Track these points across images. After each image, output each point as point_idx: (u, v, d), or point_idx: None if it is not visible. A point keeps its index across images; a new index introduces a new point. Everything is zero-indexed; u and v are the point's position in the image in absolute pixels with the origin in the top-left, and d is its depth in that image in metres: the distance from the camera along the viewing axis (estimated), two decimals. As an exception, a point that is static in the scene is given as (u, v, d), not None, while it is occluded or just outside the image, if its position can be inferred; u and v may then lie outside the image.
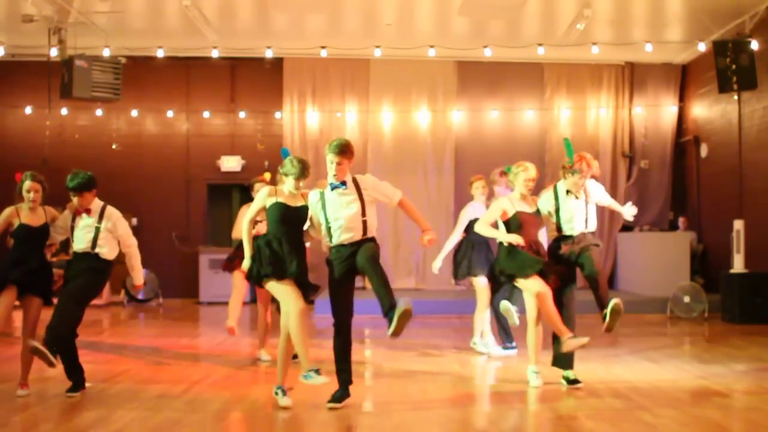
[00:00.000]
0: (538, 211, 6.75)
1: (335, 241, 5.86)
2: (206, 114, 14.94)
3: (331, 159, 5.83)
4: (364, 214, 5.82)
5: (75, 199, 6.36)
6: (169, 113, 14.91)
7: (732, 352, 8.57)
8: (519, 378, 6.82)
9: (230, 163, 14.78)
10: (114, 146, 14.61)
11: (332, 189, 5.85)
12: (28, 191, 6.46)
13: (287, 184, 5.99)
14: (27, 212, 6.50)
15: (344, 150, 5.81)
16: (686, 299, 11.77)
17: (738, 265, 11.53)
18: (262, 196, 5.98)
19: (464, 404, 6.00)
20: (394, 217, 14.45)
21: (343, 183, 5.84)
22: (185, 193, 14.94)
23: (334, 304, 5.92)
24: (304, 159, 6.12)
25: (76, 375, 6.38)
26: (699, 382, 6.79)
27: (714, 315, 11.65)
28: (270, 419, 5.53)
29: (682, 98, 15.12)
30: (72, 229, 6.47)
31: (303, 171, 5.96)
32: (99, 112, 14.64)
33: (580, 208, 6.70)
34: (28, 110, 14.53)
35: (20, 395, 6.27)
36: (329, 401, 5.79)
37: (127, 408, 5.78)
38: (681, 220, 14.56)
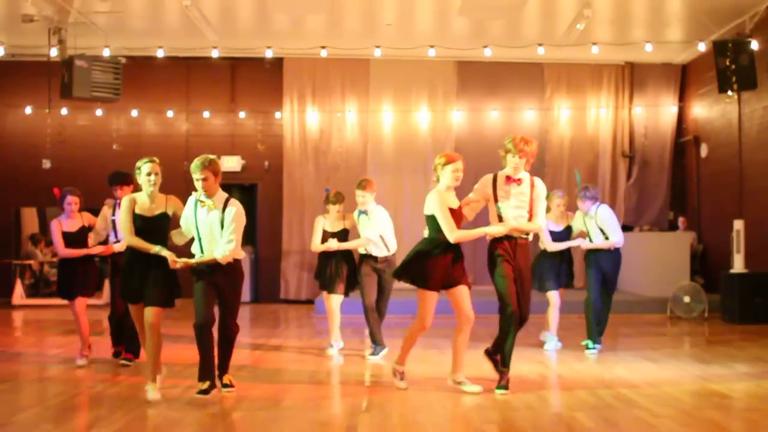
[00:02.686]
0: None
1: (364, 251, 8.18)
2: (206, 114, 14.94)
3: (356, 193, 8.03)
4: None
5: (117, 192, 7.56)
6: (169, 113, 14.91)
7: (732, 352, 8.57)
8: (518, 378, 6.82)
9: (230, 163, 14.77)
10: (114, 146, 14.60)
11: (360, 214, 8.15)
12: (69, 204, 7.69)
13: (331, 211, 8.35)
14: (67, 222, 7.70)
15: (363, 185, 8.04)
16: (686, 299, 11.76)
17: (738, 265, 11.53)
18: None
19: (464, 404, 6.00)
20: (394, 218, 14.41)
21: (364, 212, 8.07)
22: (185, 193, 14.86)
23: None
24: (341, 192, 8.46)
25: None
26: (699, 382, 6.79)
27: (714, 315, 11.65)
28: (270, 419, 5.53)
29: (682, 98, 15.13)
30: (113, 223, 7.60)
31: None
32: (99, 112, 14.64)
33: (593, 225, 8.47)
34: (28, 110, 14.53)
35: (80, 364, 7.51)
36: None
37: (127, 408, 5.77)
38: (681, 220, 14.56)
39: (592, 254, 8.54)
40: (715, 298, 11.89)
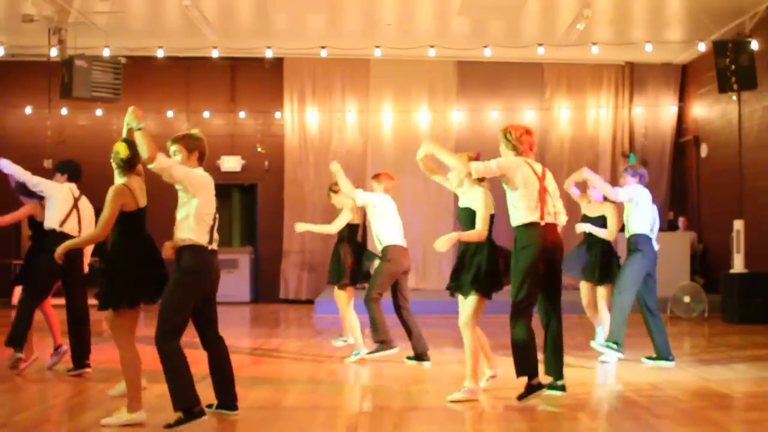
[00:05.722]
0: None
1: None
2: (206, 114, 14.94)
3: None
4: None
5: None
6: (169, 113, 14.91)
7: (732, 352, 8.57)
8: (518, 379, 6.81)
9: (230, 163, 14.78)
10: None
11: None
12: None
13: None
14: None
15: (375, 175, 7.97)
16: (686, 299, 11.76)
17: (738, 265, 11.53)
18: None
19: (464, 404, 5.99)
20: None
21: None
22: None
23: None
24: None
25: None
26: (699, 382, 6.79)
27: (714, 315, 11.64)
28: (270, 419, 5.53)
29: (682, 98, 15.13)
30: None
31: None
32: (99, 112, 14.63)
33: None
34: (28, 110, 14.52)
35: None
36: None
37: (127, 408, 5.76)
38: (681, 220, 14.55)
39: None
40: (715, 298, 11.88)
